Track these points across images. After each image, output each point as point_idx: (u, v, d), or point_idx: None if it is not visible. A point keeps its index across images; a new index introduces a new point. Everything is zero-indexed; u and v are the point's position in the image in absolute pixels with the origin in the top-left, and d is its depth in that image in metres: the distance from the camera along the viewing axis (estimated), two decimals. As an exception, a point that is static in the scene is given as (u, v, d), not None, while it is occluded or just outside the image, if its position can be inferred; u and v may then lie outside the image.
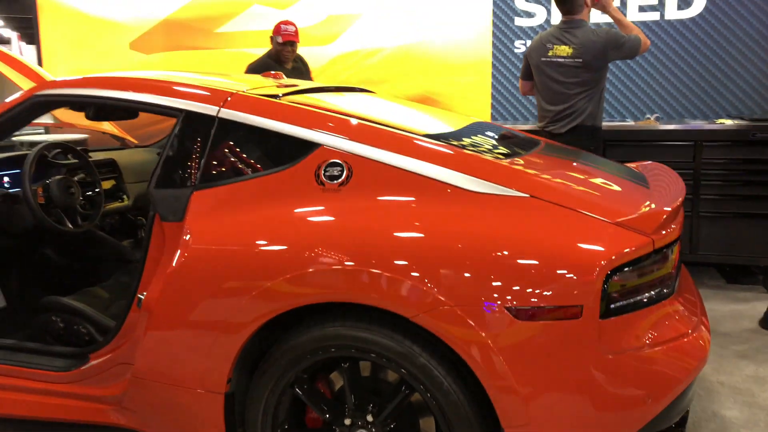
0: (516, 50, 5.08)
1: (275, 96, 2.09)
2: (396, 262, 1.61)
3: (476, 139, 2.13)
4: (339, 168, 1.80)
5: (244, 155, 1.92)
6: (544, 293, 1.55)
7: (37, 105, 2.18)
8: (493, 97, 5.17)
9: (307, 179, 1.81)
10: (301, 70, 4.53)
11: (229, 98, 1.99)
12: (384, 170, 1.78)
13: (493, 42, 5.10)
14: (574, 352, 1.56)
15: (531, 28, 5.01)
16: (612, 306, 1.59)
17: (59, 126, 3.75)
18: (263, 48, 5.43)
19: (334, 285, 1.65)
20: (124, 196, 3.20)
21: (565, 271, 1.56)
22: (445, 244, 1.62)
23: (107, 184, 3.13)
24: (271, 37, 4.44)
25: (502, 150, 2.16)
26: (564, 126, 3.61)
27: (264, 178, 1.86)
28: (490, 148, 2.08)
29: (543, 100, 3.70)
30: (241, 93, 2.03)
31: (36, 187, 2.48)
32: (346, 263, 1.63)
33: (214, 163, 1.92)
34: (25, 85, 3.27)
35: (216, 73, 2.75)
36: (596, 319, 1.56)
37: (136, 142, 3.70)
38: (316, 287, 1.67)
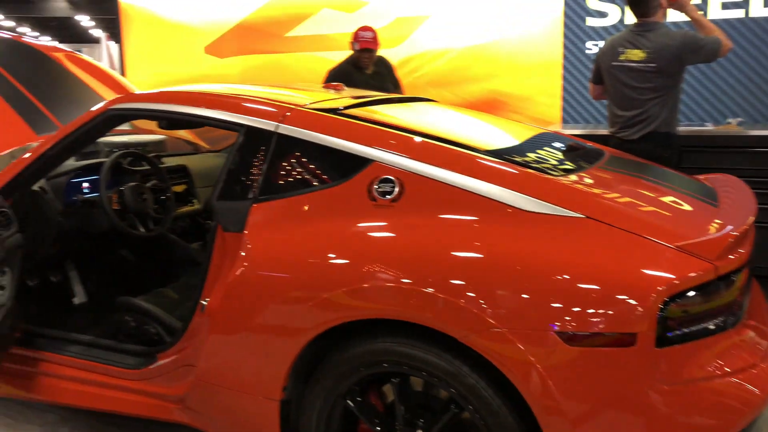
0: (587, 51, 4.95)
1: (335, 110, 2.13)
2: (448, 282, 1.62)
3: (539, 154, 2.10)
4: (391, 184, 1.83)
5: (301, 170, 1.97)
6: (597, 319, 1.52)
7: (112, 118, 2.30)
8: (563, 99, 5.05)
9: (360, 194, 1.85)
10: (382, 74, 4.46)
11: (287, 114, 2.04)
12: (437, 188, 1.79)
13: (564, 43, 4.99)
14: (626, 381, 1.52)
15: (603, 28, 4.86)
16: (669, 334, 1.54)
17: (136, 132, 3.94)
18: (332, 52, 5.53)
19: (387, 302, 1.68)
20: (195, 201, 3.34)
21: (619, 297, 1.52)
22: (496, 266, 1.62)
23: (179, 189, 3.28)
24: (351, 43, 4.45)
25: (566, 165, 2.13)
26: (636, 132, 3.49)
27: (319, 193, 1.91)
28: (553, 163, 2.05)
29: (614, 105, 3.59)
30: (299, 108, 2.08)
31: (111, 194, 2.63)
32: (402, 281, 1.65)
33: (273, 177, 1.98)
34: (107, 94, 3.45)
35: (282, 84, 2.83)
36: (651, 347, 1.51)
37: (207, 147, 3.85)
38: (370, 302, 1.70)
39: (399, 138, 1.95)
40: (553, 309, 1.54)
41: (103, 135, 2.41)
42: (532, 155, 2.05)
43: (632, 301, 1.51)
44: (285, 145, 2.00)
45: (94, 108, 2.34)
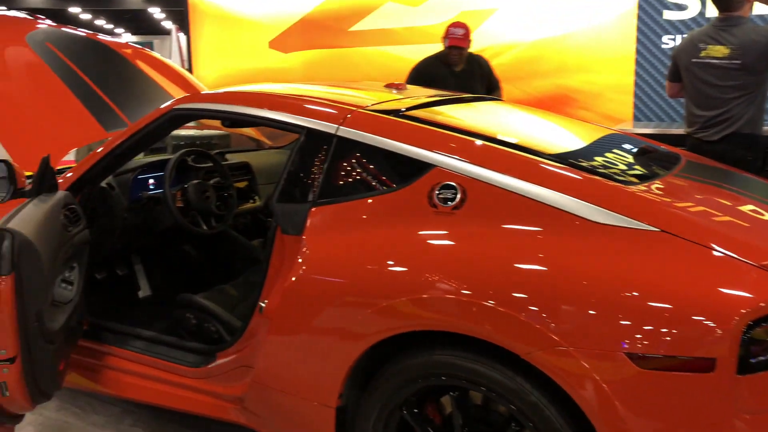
0: (663, 46, 4.75)
1: (396, 111, 2.09)
2: (511, 295, 1.57)
3: (609, 157, 2.01)
4: (453, 191, 1.78)
5: (361, 173, 1.95)
6: (672, 341, 1.43)
7: (176, 118, 2.34)
8: (636, 96, 4.86)
9: (420, 201, 1.81)
10: (472, 73, 4.26)
11: (348, 116, 2.02)
12: (501, 195, 1.73)
13: (637, 37, 4.79)
14: (704, 409, 1.43)
15: (682, 21, 4.64)
16: (753, 361, 1.43)
17: (201, 129, 4.00)
18: (396, 46, 5.49)
19: (447, 313, 1.63)
20: (256, 197, 3.37)
21: (697, 319, 1.43)
22: (562, 280, 1.55)
23: (241, 185, 3.32)
24: (442, 39, 4.32)
25: (637, 170, 2.03)
26: (717, 133, 3.30)
27: (379, 197, 1.88)
28: (624, 168, 1.96)
29: (693, 105, 3.41)
30: (360, 110, 2.05)
31: (175, 191, 2.68)
32: (462, 293, 1.61)
33: (332, 180, 1.97)
34: (174, 92, 3.51)
35: (345, 83, 2.81)
36: (732, 374, 1.41)
37: (270, 143, 3.88)
38: (432, 313, 1.66)
39: (461, 142, 1.90)
40: (622, 328, 1.46)
41: (168, 134, 2.45)
42: (602, 160, 1.96)
43: (711, 324, 1.42)
44: (345, 147, 1.98)
45: (160, 107, 2.38)
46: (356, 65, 5.68)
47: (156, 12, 26.10)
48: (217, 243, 3.12)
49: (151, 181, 2.90)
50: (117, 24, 31.54)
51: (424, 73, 4.24)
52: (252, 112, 2.18)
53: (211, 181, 2.93)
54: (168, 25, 26.61)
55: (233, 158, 3.36)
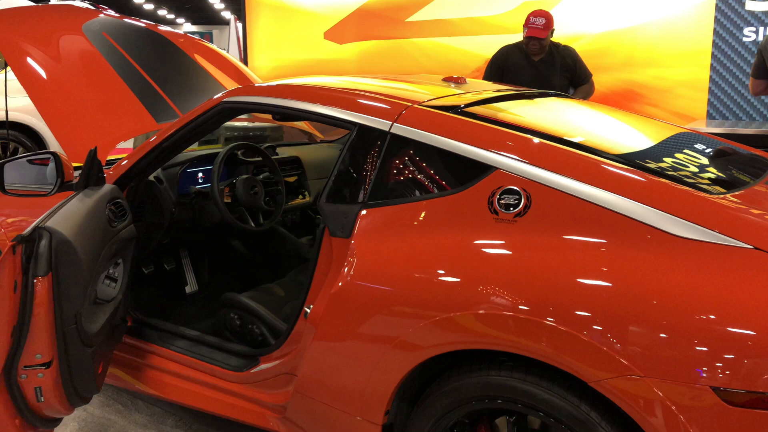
0: (744, 39, 4.43)
1: (455, 107, 1.97)
2: (579, 314, 1.42)
3: (693, 163, 1.84)
4: (516, 196, 1.64)
5: (415, 174, 1.83)
6: (743, 375, 1.27)
7: (225, 111, 2.26)
8: (710, 92, 4.58)
9: (480, 206, 1.68)
10: (552, 65, 4.00)
11: (403, 112, 1.90)
12: (570, 203, 1.58)
13: (714, 29, 4.50)
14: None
15: (766, 13, 4.31)
16: None
17: (253, 121, 3.95)
18: (454, 37, 5.34)
19: (506, 331, 1.50)
20: (306, 193, 3.29)
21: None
22: (642, 300, 1.39)
23: (291, 180, 3.24)
24: (523, 26, 4.06)
25: (719, 175, 1.85)
26: (803, 135, 3.05)
27: (434, 201, 1.76)
28: (704, 173, 1.80)
29: None
30: (415, 106, 1.93)
31: (223, 187, 2.61)
32: (521, 308, 1.47)
33: (384, 180, 1.86)
34: (228, 83, 3.46)
35: (401, 77, 2.69)
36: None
37: (321, 137, 3.80)
38: (491, 329, 1.53)
39: (525, 142, 1.76)
40: (711, 358, 1.30)
41: (218, 127, 2.38)
42: (682, 165, 1.80)
43: None
44: (399, 146, 1.87)
45: (210, 100, 2.31)
46: (413, 57, 5.54)
47: (216, 2, 26.55)
48: (266, 240, 3.06)
49: (200, 174, 2.85)
50: (178, 14, 32.25)
51: (500, 63, 4.08)
52: (302, 107, 2.09)
53: (261, 176, 2.86)
54: (227, 15, 27.05)
55: (284, 152, 3.28)
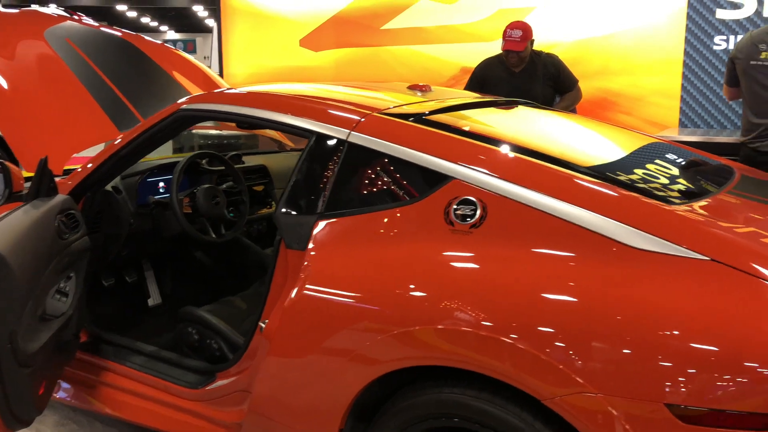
0: (715, 47, 4.44)
1: (416, 116, 1.92)
2: (533, 330, 1.38)
3: (652, 171, 1.81)
4: (472, 207, 1.59)
5: (373, 184, 1.79)
6: (723, 393, 1.23)
7: (182, 119, 2.20)
8: (682, 100, 4.58)
9: (436, 216, 1.63)
10: (533, 74, 3.92)
11: (362, 120, 1.85)
12: (528, 214, 1.54)
13: (686, 37, 4.50)
14: (757, 476, 1.21)
15: (736, 21, 4.33)
16: (819, 419, 1.21)
17: (220, 129, 3.88)
18: (429, 45, 5.31)
19: (462, 347, 1.45)
20: (273, 202, 3.22)
21: (749, 368, 1.22)
22: (597, 315, 1.35)
23: (258, 189, 3.18)
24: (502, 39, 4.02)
25: (684, 186, 1.82)
26: (775, 144, 3.04)
27: (392, 211, 1.71)
28: (669, 183, 1.76)
29: (750, 112, 3.14)
30: (375, 114, 1.88)
31: (183, 196, 2.54)
32: (476, 324, 1.43)
33: (341, 190, 1.81)
34: (194, 90, 3.39)
35: (366, 84, 2.64)
36: (793, 436, 1.20)
37: (292, 145, 3.73)
38: (444, 344, 1.48)
39: (484, 151, 1.72)
40: (666, 375, 1.26)
41: (173, 137, 2.31)
42: (644, 174, 1.77)
43: (766, 372, 1.21)
44: (357, 155, 1.82)
45: (167, 107, 2.24)
46: (388, 65, 5.51)
47: (199, 10, 26.44)
48: (231, 251, 2.99)
49: (161, 184, 2.77)
50: (161, 22, 32.08)
51: (480, 76, 4.04)
52: (260, 115, 2.04)
53: (224, 186, 2.79)
54: (211, 23, 26.93)
55: (251, 161, 3.21)
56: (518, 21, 3.95)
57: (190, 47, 29.52)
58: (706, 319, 1.29)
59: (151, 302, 2.92)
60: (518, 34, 3.81)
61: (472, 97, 2.50)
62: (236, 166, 2.97)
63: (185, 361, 2.22)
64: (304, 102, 2.03)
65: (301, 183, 1.88)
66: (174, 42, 30.62)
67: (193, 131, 5.83)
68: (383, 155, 1.77)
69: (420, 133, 1.81)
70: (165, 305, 2.92)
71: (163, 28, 33.50)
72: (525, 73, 3.91)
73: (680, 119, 4.59)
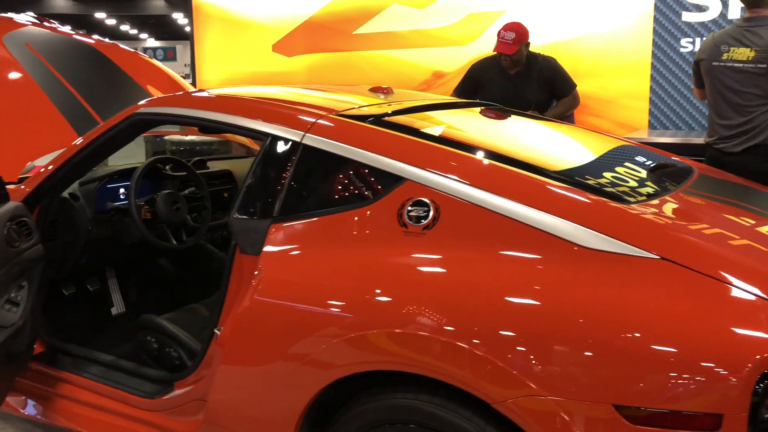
0: (682, 50, 4.47)
1: (373, 117, 1.90)
2: (484, 333, 1.36)
3: (614, 173, 1.81)
4: (425, 208, 1.57)
5: (327, 187, 1.77)
6: (669, 394, 1.21)
7: (138, 123, 2.16)
8: (651, 102, 4.60)
9: (390, 218, 1.61)
10: (528, 77, 3.80)
11: (317, 121, 1.83)
12: (480, 215, 1.52)
13: (653, 40, 4.52)
14: (708, 476, 1.19)
15: (702, 24, 4.37)
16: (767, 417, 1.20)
17: (185, 134, 3.83)
18: (401, 50, 5.29)
19: (418, 353, 1.43)
20: (239, 208, 3.18)
21: (701, 366, 1.20)
22: (546, 316, 1.34)
23: (224, 194, 3.13)
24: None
25: (639, 185, 1.81)
26: (739, 144, 3.04)
27: (346, 214, 1.69)
28: (630, 185, 1.75)
29: (714, 113, 3.15)
30: (330, 116, 1.86)
31: (142, 203, 2.49)
32: (420, 330, 1.41)
33: (296, 194, 1.79)
34: (158, 94, 3.34)
35: (329, 86, 2.62)
36: (741, 435, 1.18)
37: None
38: (400, 349, 1.46)
39: (439, 153, 1.70)
40: (613, 377, 1.25)
41: (129, 141, 2.27)
42: (604, 175, 1.76)
43: (721, 371, 1.20)
44: (311, 157, 1.79)
45: (122, 111, 2.20)
46: (361, 69, 5.49)
47: (179, 17, 26.31)
48: (195, 258, 2.94)
49: (121, 190, 2.72)
50: (141, 29, 31.90)
51: (474, 77, 3.92)
52: (216, 117, 2.01)
53: (186, 191, 2.75)
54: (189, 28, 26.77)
55: (215, 166, 3.17)
56: (513, 22, 3.80)
57: (171, 55, 29.38)
58: (656, 319, 1.27)
59: (114, 311, 2.86)
60: (511, 36, 3.68)
61: (434, 99, 2.48)
62: (200, 171, 2.93)
63: (144, 371, 2.17)
64: (259, 104, 2.00)
65: (255, 187, 1.85)
66: (154, 50, 30.45)
67: (165, 137, 5.78)
68: (338, 157, 1.75)
69: (375, 134, 1.79)
70: (129, 314, 2.87)
71: (143, 35, 33.30)
72: (519, 76, 3.80)
73: (649, 121, 4.61)
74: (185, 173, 2.79)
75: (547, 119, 2.95)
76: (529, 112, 3.32)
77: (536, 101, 3.73)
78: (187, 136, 4.85)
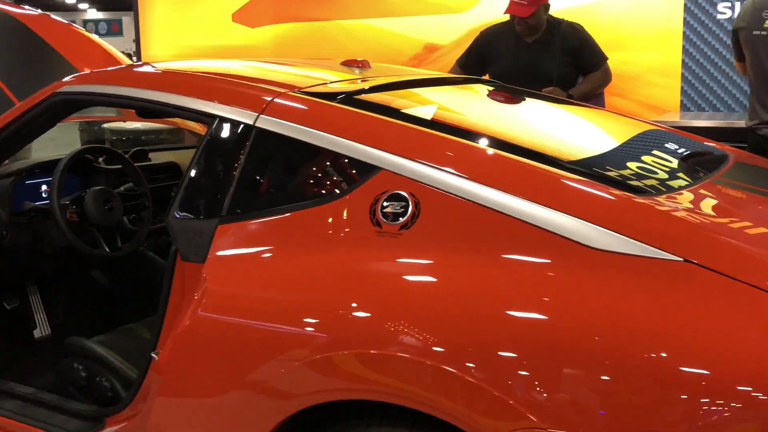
0: (719, 16, 4.50)
1: (342, 95, 1.90)
2: (468, 354, 1.36)
3: (624, 156, 1.85)
4: (403, 203, 1.56)
5: (286, 179, 1.80)
6: (700, 423, 1.21)
7: (60, 104, 2.14)
8: (683, 79, 4.63)
9: (361, 216, 1.60)
10: (547, 46, 3.70)
11: (273, 100, 1.82)
12: (469, 211, 1.50)
13: (685, 5, 4.56)
14: None
15: (742, -15, 4.40)
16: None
17: (122, 120, 3.81)
18: (386, 18, 5.27)
19: (397, 379, 1.43)
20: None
21: (736, 392, 1.20)
22: (550, 334, 1.33)
23: (172, 192, 3.11)
24: None
25: (662, 173, 1.82)
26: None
27: (309, 212, 1.68)
28: (644, 171, 1.76)
29: (755, 91, 3.17)
30: (290, 93, 1.85)
31: (67, 201, 2.46)
32: (394, 352, 1.41)
33: (248, 188, 1.79)
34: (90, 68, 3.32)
35: (294, 60, 2.61)
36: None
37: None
38: (379, 376, 1.46)
39: (423, 138, 1.70)
40: (630, 404, 1.25)
41: (51, 127, 2.25)
42: (628, 165, 1.77)
43: (760, 396, 1.19)
44: (267, 143, 1.79)
45: (41, 91, 2.17)
46: (339, 42, 5.48)
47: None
48: (134, 268, 2.92)
49: (44, 187, 2.69)
50: (92, 3, 31.85)
51: (482, 44, 3.86)
52: (151, 97, 2.00)
53: (122, 188, 2.72)
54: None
55: (159, 158, 3.16)
56: None
57: (116, 28, 29.30)
58: (685, 336, 1.27)
59: (37, 333, 2.83)
60: None
61: (421, 74, 2.49)
62: (140, 164, 2.91)
63: (69, 405, 2.15)
64: (204, 80, 2.01)
65: (199, 180, 1.86)
66: (96, 22, 30.38)
67: (104, 125, 5.74)
68: (299, 143, 1.74)
69: (344, 115, 1.79)
70: (54, 336, 2.83)
71: (83, 5, 33.20)
72: (538, 46, 3.72)
73: (682, 101, 4.63)
74: (121, 166, 2.76)
75: (566, 99, 2.95)
76: (549, 90, 3.31)
77: (558, 76, 3.64)
78: (126, 122, 4.82)
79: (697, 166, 1.97)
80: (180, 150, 3.39)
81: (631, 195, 1.53)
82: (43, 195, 2.69)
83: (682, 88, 4.63)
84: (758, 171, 2.13)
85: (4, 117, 2.20)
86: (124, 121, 3.93)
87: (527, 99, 2.53)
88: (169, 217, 1.83)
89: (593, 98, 3.73)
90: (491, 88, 2.55)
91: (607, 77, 3.81)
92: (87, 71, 3.26)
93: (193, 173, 1.85)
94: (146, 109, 2.21)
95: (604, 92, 3.93)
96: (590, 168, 1.67)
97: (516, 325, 1.36)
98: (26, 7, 3.74)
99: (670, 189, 1.66)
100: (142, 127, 5.45)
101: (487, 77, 3.62)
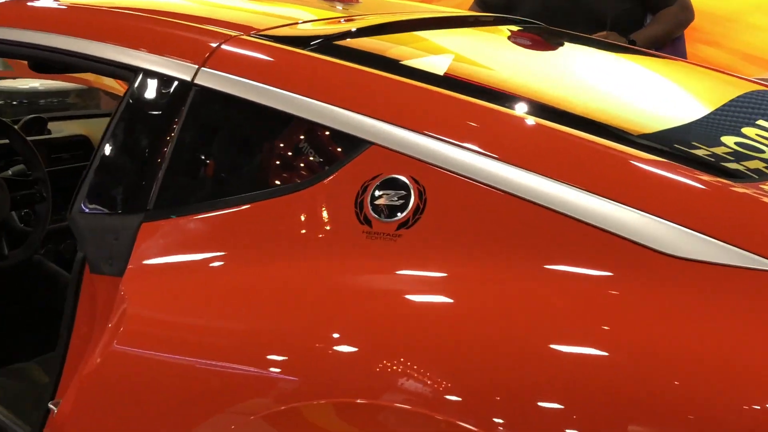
0: None
1: (327, 39, 1.96)
2: (498, 401, 1.36)
3: (745, 135, 1.85)
4: (402, 192, 1.58)
5: (237, 158, 1.84)
6: None
7: None
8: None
9: (342, 211, 1.63)
10: None
11: (220, 46, 1.86)
12: (499, 204, 1.52)
13: None
14: None
15: None
16: None
17: (13, 76, 3.86)
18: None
19: None
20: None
21: None
22: (604, 380, 1.33)
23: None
24: None
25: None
26: None
27: (267, 205, 1.72)
28: (746, 150, 1.79)
29: None
30: (246, 37, 1.90)
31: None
32: (406, 398, 1.42)
33: (184, 171, 1.84)
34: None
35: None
36: None
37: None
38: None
39: (430, 100, 1.72)
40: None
41: None
42: (724, 141, 1.79)
43: None
44: (209, 108, 1.85)
45: None
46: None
47: None
48: (26, 284, 2.99)
49: None
50: None
51: None
52: (50, 42, 2.06)
53: (9, 172, 2.78)
54: None
55: (64, 129, 3.24)
56: None
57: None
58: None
59: None
60: None
61: (427, 11, 2.55)
62: (35, 138, 2.95)
63: None
64: (125, 20, 2.05)
65: (116, 160, 1.91)
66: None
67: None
68: (256, 107, 1.77)
69: (320, 67, 1.82)
70: None
71: None
72: None
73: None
74: (7, 141, 2.81)
75: (628, 46, 2.96)
76: (603, 34, 3.34)
77: (615, 15, 3.64)
78: (16, 79, 4.84)
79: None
80: (92, 119, 3.43)
81: (728, 182, 1.55)
82: None
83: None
84: None
85: None
86: (14, 78, 3.96)
87: (579, 46, 2.59)
88: (73, 212, 1.87)
89: (668, 46, 3.80)
90: (527, 32, 2.60)
91: (686, 15, 3.87)
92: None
93: (107, 151, 1.88)
94: (44, 61, 2.27)
95: (684, 38, 3.98)
96: (669, 144, 1.70)
97: (564, 366, 1.37)
98: None
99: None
100: (40, 87, 5.47)
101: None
